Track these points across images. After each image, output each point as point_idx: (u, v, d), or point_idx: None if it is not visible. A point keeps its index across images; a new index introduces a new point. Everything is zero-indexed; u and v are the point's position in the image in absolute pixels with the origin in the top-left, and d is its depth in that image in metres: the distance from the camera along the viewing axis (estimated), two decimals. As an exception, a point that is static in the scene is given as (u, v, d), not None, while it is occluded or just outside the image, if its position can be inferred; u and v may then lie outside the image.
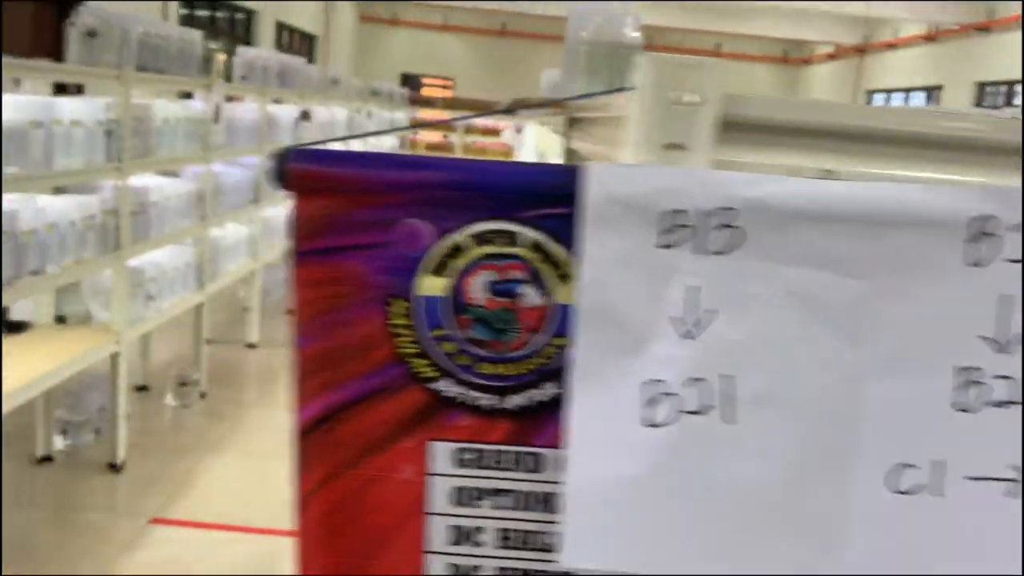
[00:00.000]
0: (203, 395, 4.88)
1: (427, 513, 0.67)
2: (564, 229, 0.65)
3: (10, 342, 3.42)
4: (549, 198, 0.66)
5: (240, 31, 11.44)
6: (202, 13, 9.93)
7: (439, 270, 0.68)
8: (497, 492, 0.67)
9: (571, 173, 0.63)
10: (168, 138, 4.14)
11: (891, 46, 15.09)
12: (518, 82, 17.72)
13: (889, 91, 15.44)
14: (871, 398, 0.64)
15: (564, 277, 0.67)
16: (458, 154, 15.38)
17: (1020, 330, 0.62)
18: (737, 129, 0.73)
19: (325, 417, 0.69)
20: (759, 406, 0.64)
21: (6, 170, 2.88)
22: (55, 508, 3.53)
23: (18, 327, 3.65)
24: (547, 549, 0.67)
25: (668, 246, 0.64)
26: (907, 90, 14.80)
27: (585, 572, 0.66)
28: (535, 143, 4.52)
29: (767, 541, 0.64)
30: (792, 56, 18.73)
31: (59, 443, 4.02)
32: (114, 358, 3.79)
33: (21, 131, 2.97)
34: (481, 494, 0.66)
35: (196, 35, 4.43)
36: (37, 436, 3.89)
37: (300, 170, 0.69)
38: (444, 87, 18.66)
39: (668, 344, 0.65)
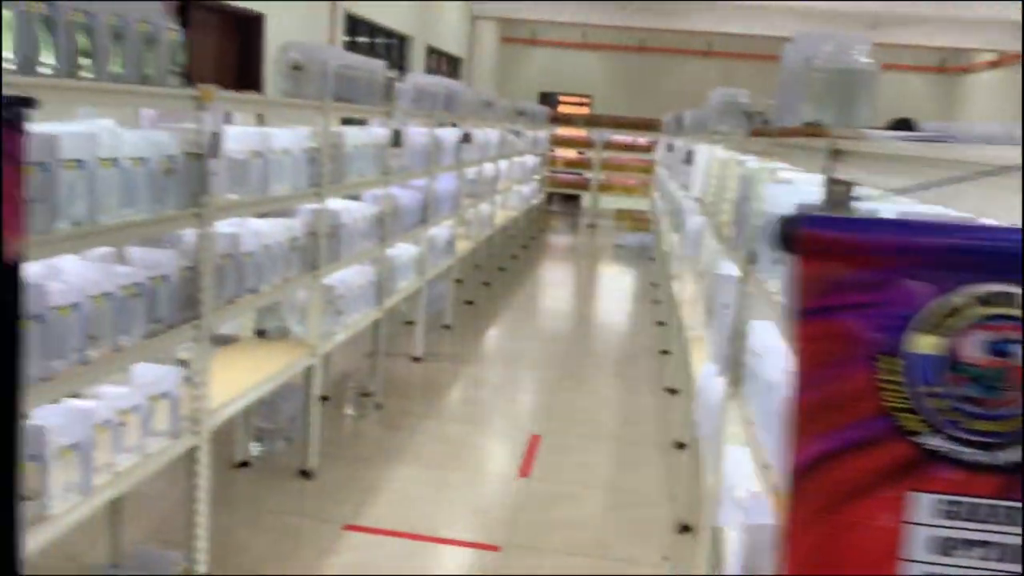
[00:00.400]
0: (379, 406, 5.11)
1: (904, 560, 0.70)
2: None
3: (220, 354, 3.70)
4: None
5: (396, 56, 11.93)
6: (362, 39, 10.42)
7: (934, 329, 0.70)
8: (981, 544, 0.68)
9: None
10: (356, 163, 4.37)
11: (1064, 51, 14.04)
12: (658, 98, 17.60)
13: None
14: None
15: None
16: (595, 170, 15.41)
17: None
18: None
19: (814, 464, 0.73)
20: None
21: (229, 197, 3.13)
22: (256, 511, 3.77)
23: (226, 340, 3.94)
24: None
25: None
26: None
27: None
28: (711, 166, 4.48)
29: None
30: (952, 65, 17.74)
31: (254, 449, 4.30)
32: (309, 370, 4.02)
33: (243, 161, 3.22)
34: (963, 545, 0.68)
35: (380, 65, 4.66)
36: (235, 442, 4.18)
37: (810, 234, 0.73)
38: (581, 104, 18.76)
39: None
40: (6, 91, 1.78)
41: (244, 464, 4.18)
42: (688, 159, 5.38)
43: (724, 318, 2.61)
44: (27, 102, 1.74)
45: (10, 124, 1.71)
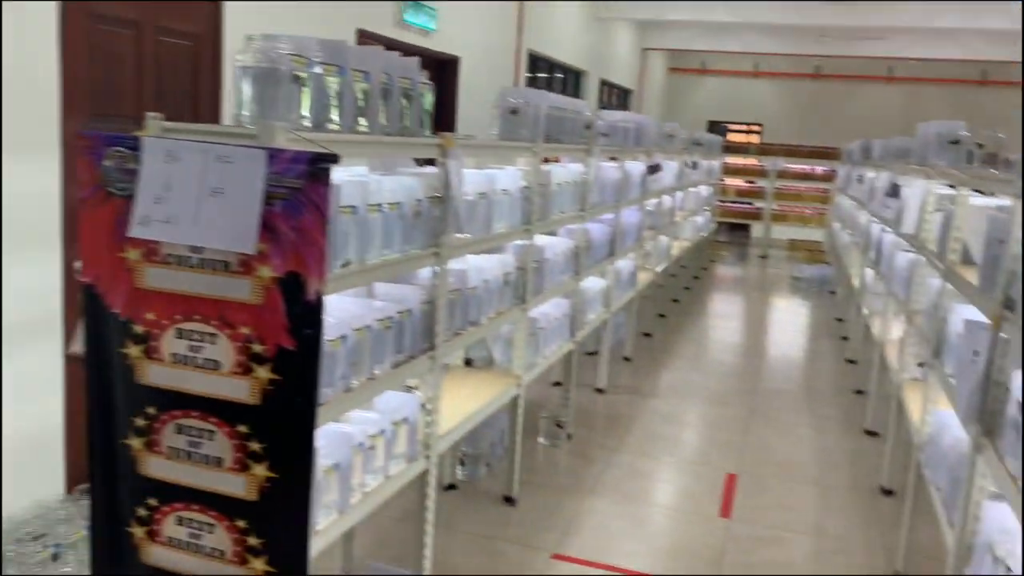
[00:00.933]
0: (570, 436, 5.20)
1: None
2: None
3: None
4: None
5: (571, 88, 12.19)
6: (542, 75, 10.73)
7: None
8: None
9: None
10: (558, 200, 4.52)
11: None
12: (834, 125, 16.97)
13: None
14: None
15: None
16: (768, 199, 15.02)
17: None
18: None
19: None
20: None
21: (461, 236, 3.32)
22: (467, 533, 3.93)
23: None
24: None
25: None
26: None
27: None
28: (926, 202, 4.29)
29: None
30: None
31: (460, 473, 4.49)
32: (515, 400, 4.17)
33: (473, 202, 3.42)
34: None
35: (583, 105, 4.81)
36: (444, 465, 4.38)
37: None
38: (751, 131, 18.37)
39: None
40: (307, 148, 2.01)
41: (452, 487, 4.37)
42: (894, 192, 5.16)
43: (975, 366, 2.50)
44: (331, 158, 1.96)
45: (317, 178, 1.93)
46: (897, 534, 3.89)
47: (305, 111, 2.28)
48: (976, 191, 3.67)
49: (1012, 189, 2.47)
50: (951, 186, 3.86)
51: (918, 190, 4.38)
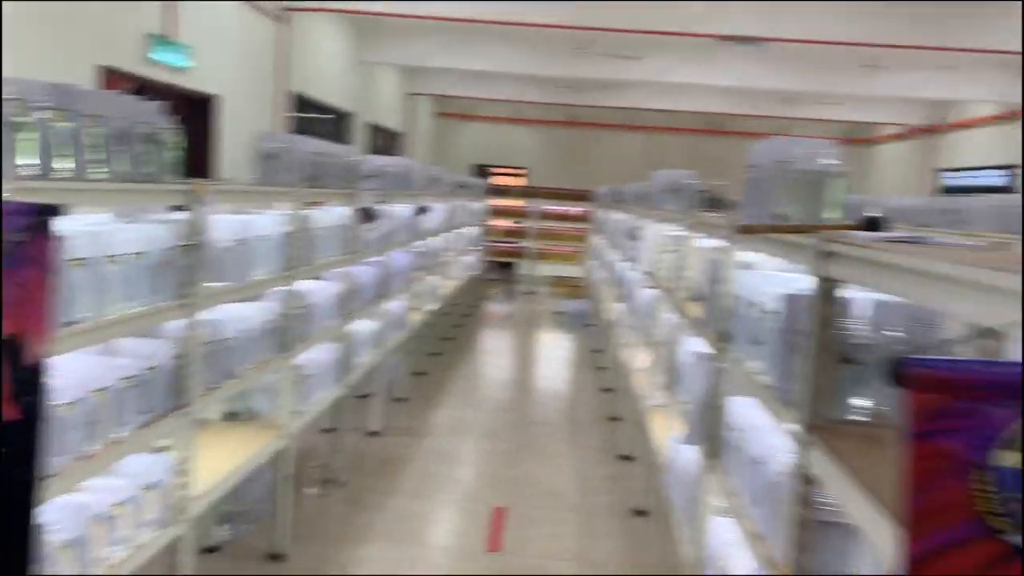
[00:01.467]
0: (342, 483, 5.11)
1: None
2: None
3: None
4: None
5: (338, 131, 12.11)
6: (307, 115, 10.59)
7: (1014, 446, 0.90)
8: None
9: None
10: (323, 244, 4.48)
11: (962, 126, 15.19)
12: (589, 169, 18.21)
13: (960, 169, 15.50)
14: None
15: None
16: (532, 239, 15.79)
17: None
18: None
19: (924, 557, 0.91)
20: None
21: (214, 285, 3.20)
22: (230, 597, 3.73)
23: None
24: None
25: None
26: (979, 168, 14.85)
27: None
28: (659, 243, 4.74)
29: None
30: (858, 136, 18.93)
31: (222, 533, 4.25)
32: (280, 451, 4.04)
33: (228, 249, 3.30)
34: None
35: (346, 150, 4.82)
36: (204, 527, 4.13)
37: (919, 373, 0.91)
38: (515, 175, 19.24)
39: None
40: (28, 197, 1.86)
41: (213, 549, 4.13)
42: (633, 235, 5.66)
43: (697, 392, 2.79)
44: (53, 210, 1.83)
45: (38, 231, 1.80)
46: (650, 552, 4.20)
47: (28, 159, 2.11)
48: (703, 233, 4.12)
49: (724, 232, 2.81)
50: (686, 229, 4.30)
51: (652, 232, 4.83)
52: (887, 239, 1.62)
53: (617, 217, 8.15)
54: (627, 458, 5.98)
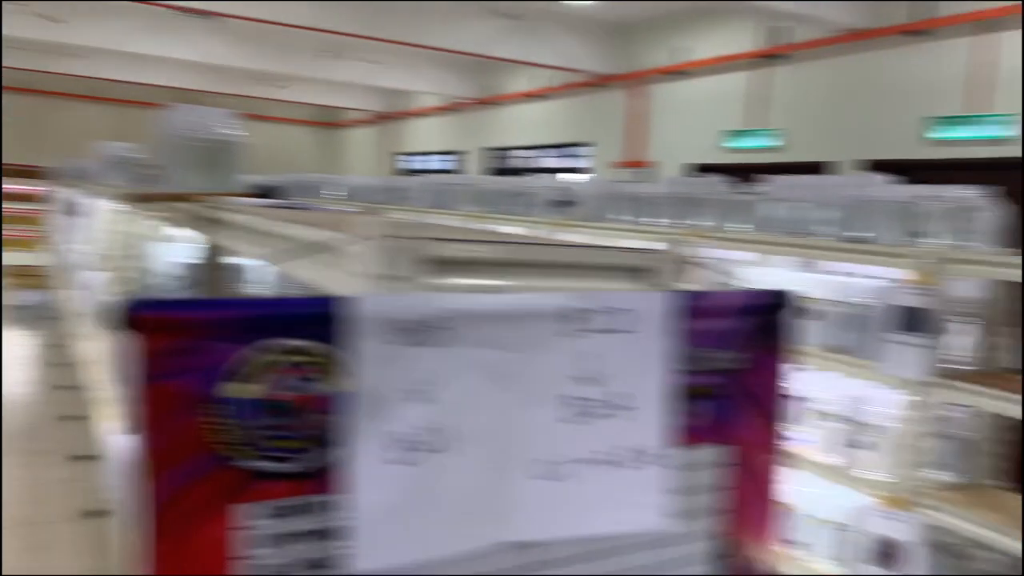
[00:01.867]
0: None
1: (251, 558, 0.98)
2: (335, 337, 0.99)
3: None
4: (320, 317, 0.98)
5: None
6: None
7: (243, 377, 0.96)
8: (309, 533, 1.00)
9: (334, 301, 1.00)
10: None
11: (414, 114, 17.01)
12: (50, 143, 16.05)
13: (412, 154, 17.42)
14: (517, 423, 1.08)
15: (337, 372, 1.00)
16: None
17: (594, 371, 1.11)
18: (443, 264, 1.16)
19: (168, 499, 0.93)
20: (463, 439, 1.05)
21: None
22: None
23: None
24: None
25: (414, 345, 1.02)
26: (428, 153, 16.85)
27: (375, 571, 1.01)
28: (108, 221, 4.39)
29: (473, 521, 1.06)
30: (330, 120, 19.92)
31: None
32: None
33: None
34: (296, 537, 1.00)
35: None
36: None
37: (145, 316, 0.91)
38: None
39: (414, 408, 1.03)
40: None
41: None
42: (70, 211, 5.16)
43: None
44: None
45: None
46: (109, 553, 3.93)
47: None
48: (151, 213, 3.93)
49: (128, 202, 2.70)
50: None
51: (100, 209, 4.47)
52: (269, 205, 1.74)
53: (65, 195, 7.35)
54: (88, 458, 5.49)
